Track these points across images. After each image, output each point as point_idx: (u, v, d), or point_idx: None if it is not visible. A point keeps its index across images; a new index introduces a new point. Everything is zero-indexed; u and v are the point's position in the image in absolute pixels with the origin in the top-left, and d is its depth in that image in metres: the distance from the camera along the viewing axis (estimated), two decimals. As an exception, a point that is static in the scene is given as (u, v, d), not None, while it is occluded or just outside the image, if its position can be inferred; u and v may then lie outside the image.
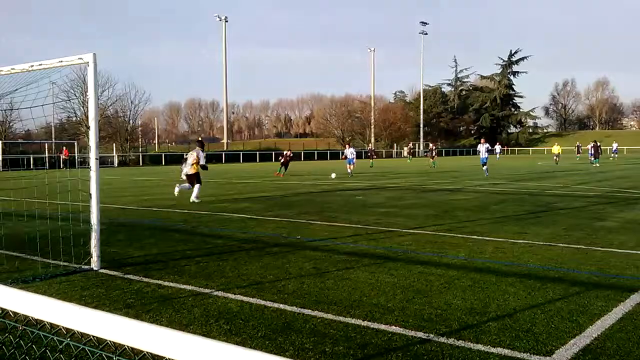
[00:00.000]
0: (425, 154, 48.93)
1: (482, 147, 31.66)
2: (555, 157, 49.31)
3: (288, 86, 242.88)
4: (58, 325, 1.80)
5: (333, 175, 27.52)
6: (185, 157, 18.12)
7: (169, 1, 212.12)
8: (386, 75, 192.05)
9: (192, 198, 16.70)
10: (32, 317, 1.92)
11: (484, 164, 30.89)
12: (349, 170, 32.73)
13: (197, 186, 16.88)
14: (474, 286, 6.61)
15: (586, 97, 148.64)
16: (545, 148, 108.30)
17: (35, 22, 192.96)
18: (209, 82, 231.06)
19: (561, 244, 9.37)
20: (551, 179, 27.51)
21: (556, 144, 53.99)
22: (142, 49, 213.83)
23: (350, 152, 34.21)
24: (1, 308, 1.99)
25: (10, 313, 2.03)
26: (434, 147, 50.11)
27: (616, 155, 60.90)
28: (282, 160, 33.24)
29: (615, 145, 63.32)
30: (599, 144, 46.42)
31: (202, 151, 17.27)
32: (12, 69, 8.33)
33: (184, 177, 17.34)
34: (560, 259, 8.18)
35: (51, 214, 10.92)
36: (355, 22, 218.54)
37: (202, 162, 16.95)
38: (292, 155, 34.73)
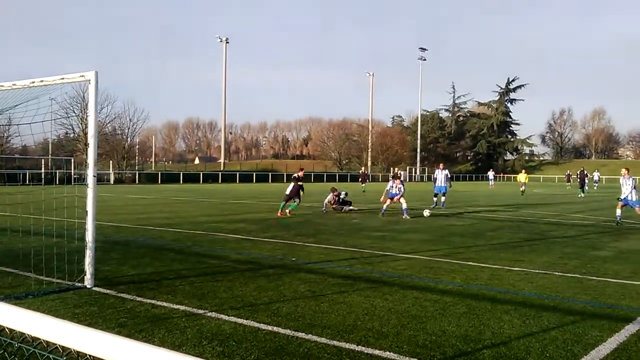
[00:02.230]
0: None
1: (441, 174, 24.92)
2: (521, 187, 42.31)
3: (286, 108, 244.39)
4: (54, 343, 1.79)
5: (427, 213, 20.56)
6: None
7: (171, 20, 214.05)
8: (384, 99, 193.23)
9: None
10: (28, 335, 1.92)
11: (443, 194, 24.69)
12: (383, 208, 21.05)
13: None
14: (469, 313, 6.59)
15: (583, 126, 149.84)
16: (542, 176, 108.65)
17: (34, 36, 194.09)
18: (208, 101, 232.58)
19: (557, 273, 9.37)
20: (546, 207, 27.57)
21: (523, 171, 46.36)
22: (142, 67, 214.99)
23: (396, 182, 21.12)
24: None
25: (7, 330, 2.02)
26: (399, 172, 48.06)
27: (596, 185, 60.24)
28: (289, 190, 20.40)
29: (596, 175, 62.72)
30: (585, 172, 44.09)
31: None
32: (13, 84, 8.37)
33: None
34: (556, 288, 8.18)
35: (46, 230, 10.88)
36: (354, 46, 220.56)
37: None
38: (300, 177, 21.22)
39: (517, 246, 12.73)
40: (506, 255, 11.27)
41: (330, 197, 22.66)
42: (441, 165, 26.36)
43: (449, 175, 26.27)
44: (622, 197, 18.53)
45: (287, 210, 19.77)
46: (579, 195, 39.69)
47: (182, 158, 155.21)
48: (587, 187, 43.82)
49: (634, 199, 18.25)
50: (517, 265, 10.04)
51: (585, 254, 11.63)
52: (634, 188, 18.37)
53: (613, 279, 8.95)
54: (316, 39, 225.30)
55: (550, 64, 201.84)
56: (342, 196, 22.98)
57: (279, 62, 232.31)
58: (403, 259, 10.63)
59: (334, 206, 22.47)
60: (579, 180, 43.38)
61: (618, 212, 18.42)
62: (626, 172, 18.96)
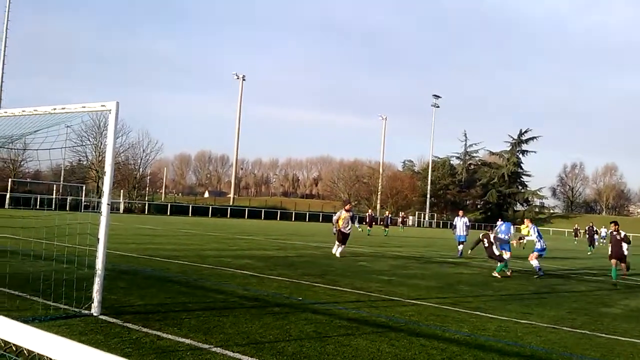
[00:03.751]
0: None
1: (460, 222, 25.47)
2: (521, 239, 40.10)
3: (298, 146, 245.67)
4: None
5: (539, 270, 17.94)
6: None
7: (188, 54, 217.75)
8: (396, 143, 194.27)
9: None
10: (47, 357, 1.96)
11: (461, 242, 24.85)
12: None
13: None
14: (476, 364, 6.50)
15: (594, 181, 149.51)
16: (551, 228, 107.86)
17: (52, 66, 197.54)
18: (221, 136, 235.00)
19: (565, 328, 9.25)
20: (555, 260, 27.28)
21: (526, 220, 43.22)
22: (158, 99, 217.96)
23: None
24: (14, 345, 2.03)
25: (25, 352, 2.07)
26: (389, 215, 50.78)
27: (603, 241, 58.23)
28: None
29: (604, 231, 59.44)
30: (595, 228, 42.32)
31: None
32: (35, 110, 8.55)
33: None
34: (564, 343, 8.06)
35: (57, 256, 10.94)
36: (368, 89, 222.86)
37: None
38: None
39: (525, 298, 12.60)
40: (514, 307, 11.15)
41: (341, 213, 20.98)
42: (460, 213, 26.45)
43: (468, 224, 25.93)
44: (537, 247, 18.58)
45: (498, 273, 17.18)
46: (588, 253, 38.35)
47: (192, 191, 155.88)
48: (596, 243, 42.80)
49: (543, 247, 18.59)
50: (525, 318, 9.92)
51: (595, 310, 11.49)
52: (539, 236, 18.82)
53: (623, 337, 8.82)
54: (331, 80, 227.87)
55: (562, 118, 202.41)
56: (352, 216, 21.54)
57: (293, 101, 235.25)
58: (410, 304, 10.54)
59: (343, 228, 20.68)
60: (587, 236, 41.76)
61: (535, 262, 18.19)
62: (529, 221, 19.85)
